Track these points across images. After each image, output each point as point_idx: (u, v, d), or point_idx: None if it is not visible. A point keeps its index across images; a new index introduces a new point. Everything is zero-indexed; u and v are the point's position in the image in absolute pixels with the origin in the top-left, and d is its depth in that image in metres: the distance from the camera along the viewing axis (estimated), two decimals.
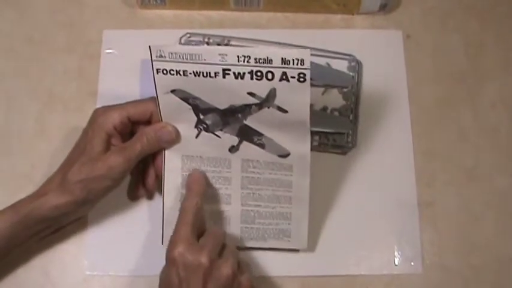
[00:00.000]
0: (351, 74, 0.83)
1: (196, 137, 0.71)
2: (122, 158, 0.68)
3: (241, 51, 0.63)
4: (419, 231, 0.77)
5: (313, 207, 0.73)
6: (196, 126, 0.70)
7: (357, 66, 0.83)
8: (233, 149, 0.71)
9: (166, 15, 0.86)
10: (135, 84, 0.82)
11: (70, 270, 0.75)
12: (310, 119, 0.66)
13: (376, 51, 0.84)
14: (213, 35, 0.84)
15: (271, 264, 0.75)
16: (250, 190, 0.73)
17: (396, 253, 0.76)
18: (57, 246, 0.76)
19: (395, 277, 0.75)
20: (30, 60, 0.83)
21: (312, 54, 0.63)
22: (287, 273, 0.75)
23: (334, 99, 0.81)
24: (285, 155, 0.70)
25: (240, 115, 0.68)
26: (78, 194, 0.68)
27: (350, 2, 0.84)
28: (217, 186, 0.73)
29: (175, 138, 0.71)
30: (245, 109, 0.67)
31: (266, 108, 0.66)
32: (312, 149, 0.70)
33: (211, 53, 0.64)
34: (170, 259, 0.65)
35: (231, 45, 0.83)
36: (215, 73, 0.65)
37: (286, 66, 0.63)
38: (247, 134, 0.70)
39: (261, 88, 0.65)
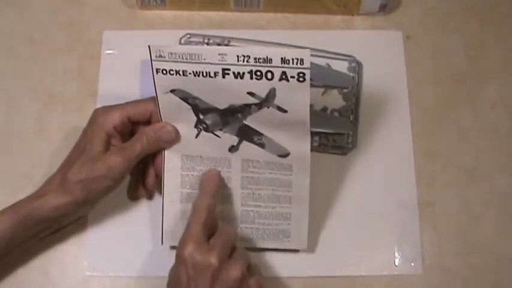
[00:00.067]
0: (351, 74, 0.83)
1: (196, 136, 0.71)
2: (121, 158, 0.68)
3: (241, 51, 0.63)
4: (420, 231, 0.77)
5: (313, 208, 0.73)
6: (196, 126, 0.70)
7: (357, 67, 0.83)
8: (233, 148, 0.71)
9: (166, 16, 0.86)
10: (135, 84, 0.82)
11: (70, 270, 0.75)
12: (310, 119, 0.66)
13: (376, 52, 0.84)
14: (213, 36, 0.84)
15: (271, 265, 0.75)
16: (250, 190, 0.73)
17: (396, 254, 0.76)
18: (57, 247, 0.76)
19: (395, 278, 0.75)
20: (30, 60, 0.83)
21: (312, 55, 0.63)
22: (287, 274, 0.75)
23: (334, 99, 0.81)
24: (284, 154, 0.70)
25: (239, 115, 0.68)
26: (78, 194, 0.68)
27: (350, 2, 0.84)
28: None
29: (175, 138, 0.71)
30: (245, 109, 0.67)
31: (266, 108, 0.66)
32: (312, 150, 0.70)
33: (211, 53, 0.64)
34: (180, 258, 0.65)
35: (231, 45, 0.83)
36: (215, 73, 0.65)
37: (285, 65, 0.63)
38: (247, 134, 0.70)
39: (261, 88, 0.65)
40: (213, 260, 0.64)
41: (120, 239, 0.76)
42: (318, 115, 0.80)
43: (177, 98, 0.68)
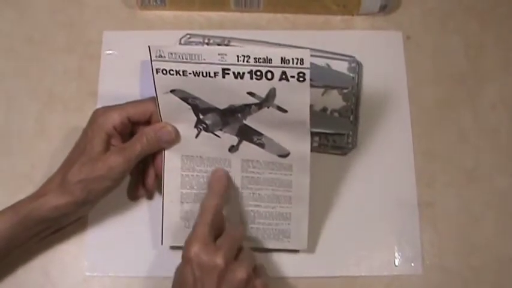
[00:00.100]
0: (351, 75, 0.83)
1: (196, 137, 0.71)
2: (121, 158, 0.68)
3: (241, 51, 0.63)
4: (420, 231, 0.77)
5: (313, 208, 0.73)
6: (196, 126, 0.70)
7: (357, 67, 0.83)
8: (233, 148, 0.71)
9: (166, 16, 0.86)
10: (135, 85, 0.82)
11: (70, 270, 0.75)
12: (310, 119, 0.66)
13: (376, 52, 0.84)
14: (213, 36, 0.84)
15: (271, 265, 0.75)
16: (250, 190, 0.73)
17: (396, 254, 0.76)
18: (57, 247, 0.76)
19: (395, 278, 0.75)
20: (30, 60, 0.83)
21: (312, 55, 0.63)
22: (287, 274, 0.75)
23: (334, 100, 0.81)
24: (284, 154, 0.70)
25: (239, 115, 0.68)
26: (78, 194, 0.68)
27: (350, 3, 0.84)
28: None
29: (175, 138, 0.71)
30: (245, 109, 0.67)
31: (266, 108, 0.66)
32: (312, 150, 0.70)
33: (211, 53, 0.64)
34: (186, 258, 0.65)
35: (231, 46, 0.83)
36: (215, 73, 0.65)
37: (285, 65, 0.63)
38: (247, 134, 0.70)
39: (261, 88, 0.65)
40: (219, 260, 0.64)
41: (120, 239, 0.76)
42: (317, 115, 0.80)
43: (177, 98, 0.68)
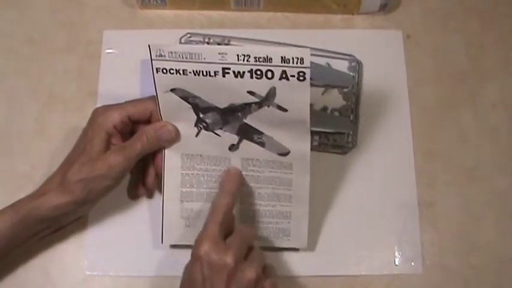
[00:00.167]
0: (351, 74, 0.83)
1: (196, 135, 0.71)
2: (121, 157, 0.68)
3: (241, 50, 0.63)
4: (420, 231, 0.77)
5: (313, 207, 0.73)
6: (196, 125, 0.70)
7: (357, 66, 0.83)
8: (233, 147, 0.71)
9: (166, 15, 0.86)
10: (136, 84, 0.82)
11: (70, 270, 0.75)
12: (310, 118, 0.66)
13: (376, 52, 0.84)
14: (213, 35, 0.84)
15: (271, 263, 0.75)
16: (250, 188, 0.73)
17: (396, 253, 0.76)
18: (57, 246, 0.76)
19: (395, 277, 0.75)
20: (30, 60, 0.83)
21: (312, 54, 0.63)
22: (287, 272, 0.75)
23: (335, 99, 0.81)
24: (285, 153, 0.70)
25: (239, 114, 0.68)
26: (78, 193, 0.68)
27: (350, 2, 0.84)
28: (217, 185, 0.72)
29: (175, 137, 0.71)
30: (245, 108, 0.67)
31: (266, 107, 0.66)
32: (312, 149, 0.70)
33: (211, 52, 0.64)
34: (196, 256, 0.64)
35: (231, 45, 0.83)
36: (215, 72, 0.65)
37: (286, 64, 0.63)
38: (247, 133, 0.70)
39: (261, 87, 0.65)
40: (229, 259, 0.63)
41: (121, 238, 0.76)
42: (318, 114, 0.80)
43: (177, 97, 0.68)
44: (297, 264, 0.76)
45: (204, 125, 0.70)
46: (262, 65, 0.63)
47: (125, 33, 0.85)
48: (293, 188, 0.72)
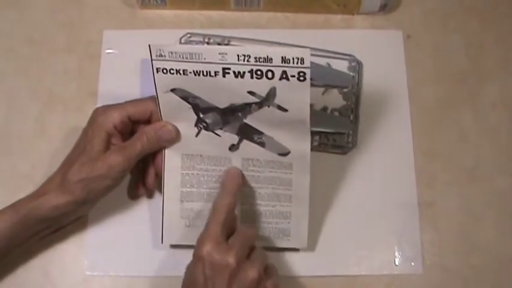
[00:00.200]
0: (351, 74, 0.83)
1: (196, 135, 0.71)
2: (121, 157, 0.68)
3: (241, 50, 0.63)
4: (420, 231, 0.77)
5: (313, 207, 0.73)
6: (196, 125, 0.70)
7: (357, 66, 0.83)
8: (233, 147, 0.71)
9: (166, 15, 0.86)
10: (136, 84, 0.82)
11: (70, 270, 0.75)
12: (311, 119, 0.66)
13: (376, 52, 0.84)
14: (213, 35, 0.84)
15: (272, 263, 0.75)
16: (250, 189, 0.73)
17: (396, 253, 0.76)
18: (57, 246, 0.76)
19: (395, 277, 0.75)
20: (30, 60, 0.83)
21: (312, 54, 0.63)
22: (287, 273, 0.75)
23: (335, 99, 0.81)
24: (285, 153, 0.70)
25: (240, 114, 0.68)
26: (78, 193, 0.68)
27: (350, 2, 0.84)
28: (217, 185, 0.72)
29: (175, 137, 0.71)
30: (245, 108, 0.67)
31: (266, 107, 0.66)
32: (312, 149, 0.70)
33: (211, 52, 0.64)
34: (198, 257, 0.64)
35: (231, 45, 0.83)
36: (215, 72, 0.65)
37: (286, 65, 0.63)
38: (248, 133, 0.70)
39: (261, 87, 0.65)
40: (231, 259, 0.63)
41: (121, 238, 0.76)
42: (318, 114, 0.80)
43: (177, 97, 0.68)
44: (297, 264, 0.76)
45: (204, 125, 0.70)
46: (263, 65, 0.63)
47: (125, 33, 0.85)
48: (293, 188, 0.72)
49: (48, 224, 0.70)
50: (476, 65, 0.84)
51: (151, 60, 0.65)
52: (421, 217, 0.77)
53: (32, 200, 0.68)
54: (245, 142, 0.70)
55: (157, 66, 0.66)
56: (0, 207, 0.68)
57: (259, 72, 0.64)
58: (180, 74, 0.66)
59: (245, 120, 0.69)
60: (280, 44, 0.83)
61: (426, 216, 0.78)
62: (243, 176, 0.72)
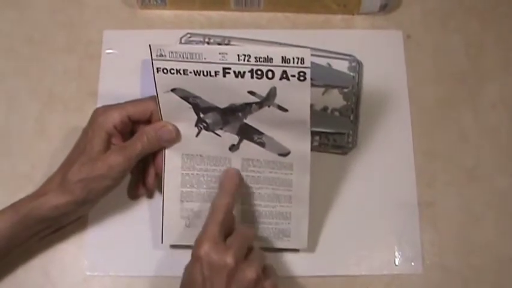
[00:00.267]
0: (352, 74, 0.83)
1: (197, 135, 0.71)
2: (122, 157, 0.68)
3: (242, 50, 0.63)
4: (420, 231, 0.77)
5: (313, 207, 0.73)
6: (196, 125, 0.70)
7: (357, 66, 0.83)
8: (233, 147, 0.71)
9: (166, 16, 0.86)
10: (136, 84, 0.82)
11: (70, 270, 0.75)
12: (311, 119, 0.66)
13: (376, 52, 0.84)
14: (213, 35, 0.84)
15: (270, 264, 0.75)
16: (250, 189, 0.73)
17: (396, 253, 0.76)
18: (57, 246, 0.75)
19: (395, 277, 0.75)
20: (30, 60, 0.83)
21: (312, 55, 0.63)
22: (287, 273, 0.75)
23: (335, 99, 0.81)
24: (285, 153, 0.70)
25: (240, 114, 0.68)
26: (78, 193, 0.68)
27: (350, 2, 0.84)
28: (217, 185, 0.72)
29: (175, 137, 0.71)
30: (245, 108, 0.67)
31: (266, 107, 0.66)
32: (312, 149, 0.70)
33: (212, 52, 0.64)
34: (196, 257, 0.64)
35: (232, 45, 0.83)
36: (215, 72, 0.65)
37: (286, 64, 0.63)
38: (248, 133, 0.70)
39: (262, 87, 0.65)
40: (229, 259, 0.63)
41: (121, 238, 0.76)
42: (318, 114, 0.80)
43: (177, 97, 0.68)
44: (297, 264, 0.75)
45: (205, 125, 0.70)
46: (263, 65, 0.63)
47: (125, 33, 0.85)
48: (293, 188, 0.72)
49: (48, 224, 0.70)
50: (476, 65, 0.84)
51: (152, 60, 0.65)
52: (421, 217, 0.77)
53: (32, 200, 0.68)
54: (245, 142, 0.70)
55: (158, 66, 0.66)
56: (0, 207, 0.68)
57: (259, 72, 0.64)
58: (180, 73, 0.66)
59: (245, 120, 0.69)
60: (280, 44, 0.83)
61: (426, 216, 0.77)
62: (240, 176, 0.72)
